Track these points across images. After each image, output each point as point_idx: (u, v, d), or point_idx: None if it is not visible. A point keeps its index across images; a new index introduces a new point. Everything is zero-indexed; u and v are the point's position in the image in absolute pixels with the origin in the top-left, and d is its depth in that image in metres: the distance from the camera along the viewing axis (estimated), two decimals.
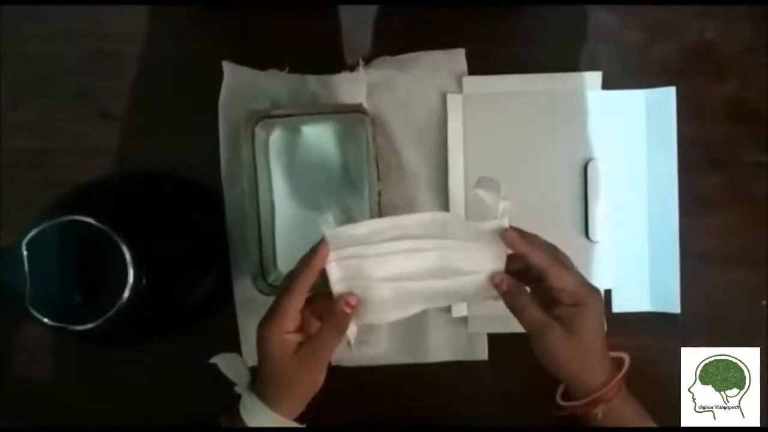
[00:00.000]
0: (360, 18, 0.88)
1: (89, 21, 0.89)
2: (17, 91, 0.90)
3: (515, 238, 0.65)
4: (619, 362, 0.69)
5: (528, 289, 0.68)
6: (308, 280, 0.65)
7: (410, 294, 0.67)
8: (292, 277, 0.66)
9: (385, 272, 0.66)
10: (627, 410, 0.68)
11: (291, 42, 0.88)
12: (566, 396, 0.70)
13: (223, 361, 0.71)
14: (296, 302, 0.65)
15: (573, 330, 0.64)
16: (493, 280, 0.66)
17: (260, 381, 0.68)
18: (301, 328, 0.67)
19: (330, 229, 0.65)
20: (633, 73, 0.88)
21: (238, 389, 0.69)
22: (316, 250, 0.66)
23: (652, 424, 0.70)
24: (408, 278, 0.67)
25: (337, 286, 0.67)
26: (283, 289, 0.66)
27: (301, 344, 0.66)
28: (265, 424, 0.66)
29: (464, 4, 0.87)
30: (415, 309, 0.69)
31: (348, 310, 0.66)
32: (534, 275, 0.66)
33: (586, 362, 0.66)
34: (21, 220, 0.68)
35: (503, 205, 0.66)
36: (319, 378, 0.67)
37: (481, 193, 0.67)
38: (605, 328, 0.68)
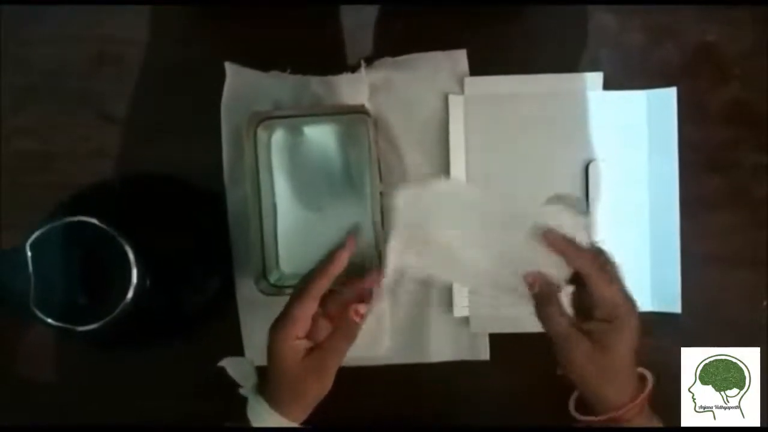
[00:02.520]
0: (361, 19, 0.88)
1: (90, 24, 0.90)
2: (18, 95, 0.90)
3: (556, 237, 0.65)
4: (642, 379, 0.67)
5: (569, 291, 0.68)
6: (322, 286, 0.66)
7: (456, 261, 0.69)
8: (307, 281, 0.67)
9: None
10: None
11: (292, 43, 0.88)
12: (580, 406, 0.68)
13: (230, 364, 0.72)
14: (308, 308, 0.66)
15: (604, 346, 0.63)
16: (527, 279, 0.66)
17: (268, 385, 0.68)
18: (311, 333, 0.67)
19: None
20: (634, 76, 0.88)
21: (242, 391, 0.70)
22: (334, 256, 0.66)
23: None
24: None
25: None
26: (295, 293, 0.67)
27: (310, 350, 0.66)
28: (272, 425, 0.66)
29: (466, 6, 0.87)
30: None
31: (357, 318, 0.66)
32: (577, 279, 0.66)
33: (611, 379, 0.64)
34: (22, 224, 0.69)
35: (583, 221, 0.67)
36: (327, 384, 0.67)
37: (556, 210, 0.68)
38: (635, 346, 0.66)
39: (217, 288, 0.86)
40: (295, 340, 0.66)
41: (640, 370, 0.67)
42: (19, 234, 0.67)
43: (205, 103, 0.87)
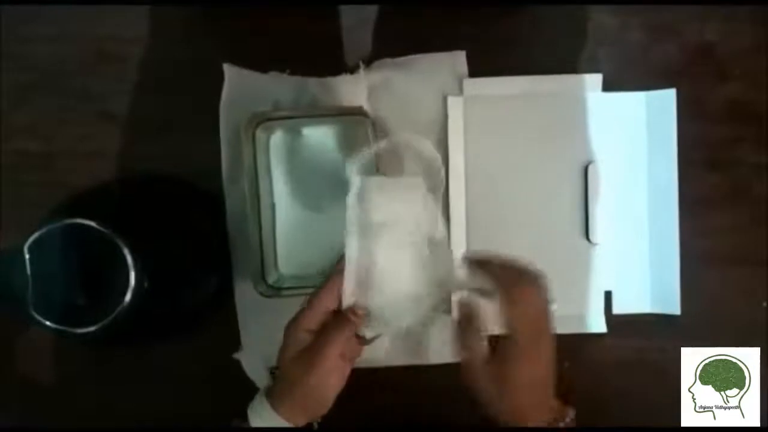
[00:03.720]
0: (360, 20, 0.88)
1: (90, 23, 0.89)
2: (18, 93, 0.89)
3: (479, 252, 0.67)
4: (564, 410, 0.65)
5: None
6: (339, 282, 0.66)
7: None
8: (327, 275, 0.67)
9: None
10: None
11: (291, 44, 0.88)
12: None
13: (245, 359, 0.72)
14: (324, 300, 0.66)
15: (508, 367, 0.62)
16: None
17: (275, 380, 0.68)
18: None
19: None
20: (633, 75, 0.88)
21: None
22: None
23: None
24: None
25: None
26: (318, 286, 0.67)
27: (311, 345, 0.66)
28: (266, 424, 0.66)
29: (464, 6, 0.87)
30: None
31: (351, 316, 0.66)
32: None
33: (518, 402, 0.63)
34: (22, 223, 0.69)
35: None
36: (320, 385, 0.65)
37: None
38: (547, 372, 0.65)
39: (215, 289, 0.86)
40: (301, 333, 0.65)
41: (567, 407, 0.66)
42: (18, 233, 0.67)
43: (205, 103, 0.87)
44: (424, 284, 0.68)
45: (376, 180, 0.70)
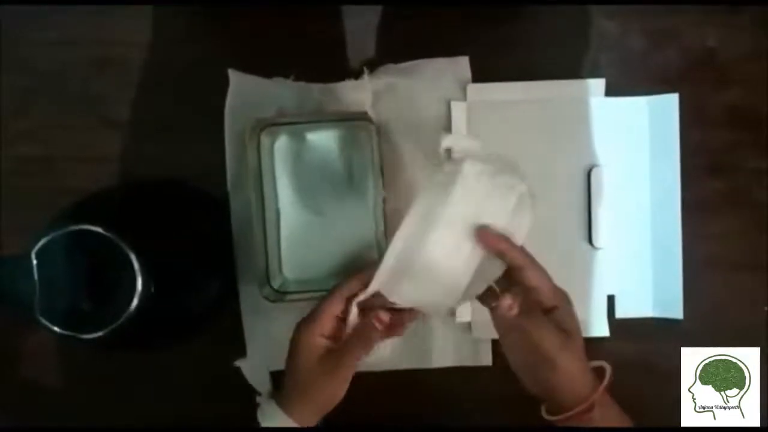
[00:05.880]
0: (364, 25, 0.88)
1: (91, 27, 0.89)
2: (19, 98, 0.89)
3: (493, 234, 0.64)
4: (600, 372, 0.66)
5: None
6: (350, 288, 0.67)
7: None
8: (338, 282, 0.68)
9: None
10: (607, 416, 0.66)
11: (292, 46, 0.88)
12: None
13: (246, 367, 0.72)
14: (333, 307, 0.67)
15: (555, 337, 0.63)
16: (504, 302, 0.65)
17: (283, 384, 0.68)
18: (338, 335, 0.68)
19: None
20: (634, 80, 0.88)
21: (259, 399, 0.70)
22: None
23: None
24: None
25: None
26: (327, 293, 0.68)
27: (330, 351, 0.66)
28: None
29: (467, 10, 0.87)
30: None
31: (377, 324, 0.66)
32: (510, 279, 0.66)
33: (567, 375, 0.64)
34: (23, 228, 0.68)
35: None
36: (339, 390, 0.67)
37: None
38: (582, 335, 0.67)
39: (220, 293, 0.86)
40: (317, 338, 0.66)
41: (598, 363, 0.66)
42: (20, 238, 0.67)
43: (208, 107, 0.87)
44: (467, 280, 0.66)
45: (481, 168, 0.66)
